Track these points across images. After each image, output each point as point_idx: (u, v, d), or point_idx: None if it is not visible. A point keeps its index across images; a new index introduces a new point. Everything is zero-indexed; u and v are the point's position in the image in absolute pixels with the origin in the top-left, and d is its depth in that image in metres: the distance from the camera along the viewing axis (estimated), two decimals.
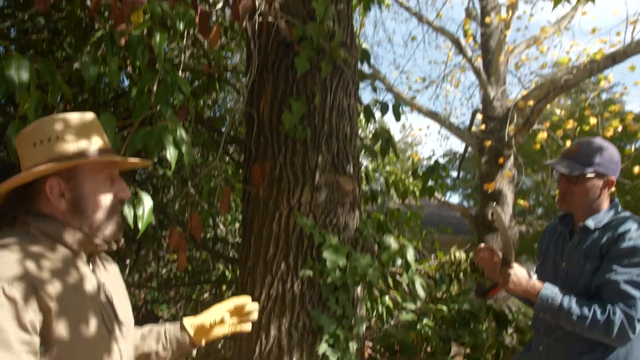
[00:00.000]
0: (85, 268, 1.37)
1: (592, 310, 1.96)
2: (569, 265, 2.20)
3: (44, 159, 1.32)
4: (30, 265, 1.20)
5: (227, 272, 4.34)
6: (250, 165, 2.49)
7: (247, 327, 1.76)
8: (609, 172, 2.18)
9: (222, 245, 4.13)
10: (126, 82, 3.55)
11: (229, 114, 4.19)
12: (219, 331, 1.71)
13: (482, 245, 2.37)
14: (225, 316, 1.67)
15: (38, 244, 1.28)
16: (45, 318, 1.18)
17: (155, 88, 1.83)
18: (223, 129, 3.27)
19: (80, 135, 1.35)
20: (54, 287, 1.22)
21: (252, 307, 1.74)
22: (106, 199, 1.38)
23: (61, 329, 1.21)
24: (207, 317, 1.69)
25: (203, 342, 1.71)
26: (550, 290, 2.04)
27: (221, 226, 4.19)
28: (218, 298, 5.39)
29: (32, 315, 1.16)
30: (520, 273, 2.09)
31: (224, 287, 4.88)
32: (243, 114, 2.75)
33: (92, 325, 1.31)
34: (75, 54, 2.40)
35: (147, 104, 1.76)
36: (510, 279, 2.08)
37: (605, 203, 2.23)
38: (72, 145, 1.34)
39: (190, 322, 1.68)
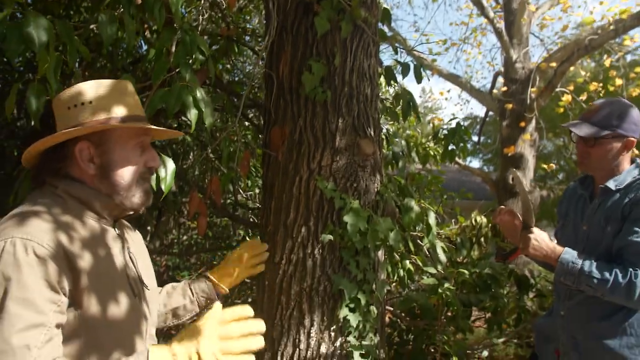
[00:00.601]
0: (111, 232, 1.38)
1: (613, 274, 1.93)
2: (590, 228, 2.17)
3: (76, 122, 1.32)
4: (59, 227, 1.21)
5: (247, 238, 4.36)
6: (269, 128, 2.46)
7: (261, 268, 2.07)
8: (629, 132, 2.13)
9: (242, 211, 4.14)
10: (144, 48, 3.52)
11: (248, 77, 4.14)
12: (240, 274, 1.86)
13: (503, 207, 2.35)
14: (244, 256, 1.84)
15: (66, 207, 1.29)
16: (74, 279, 1.20)
17: (173, 49, 1.80)
18: (242, 93, 3.24)
19: (113, 101, 1.36)
20: (82, 250, 1.23)
21: (263, 247, 2.06)
22: (135, 167, 1.39)
23: (90, 290, 1.23)
24: (225, 262, 1.90)
25: (227, 289, 1.82)
26: (571, 255, 2.03)
27: (241, 191, 4.19)
28: None
29: (61, 275, 1.17)
30: (540, 237, 2.08)
31: None
32: (262, 78, 2.71)
33: (120, 287, 1.32)
34: (92, 16, 2.37)
35: (165, 65, 1.73)
36: (531, 244, 2.08)
37: (625, 164, 2.18)
38: (104, 111, 1.34)
39: (212, 271, 1.85)
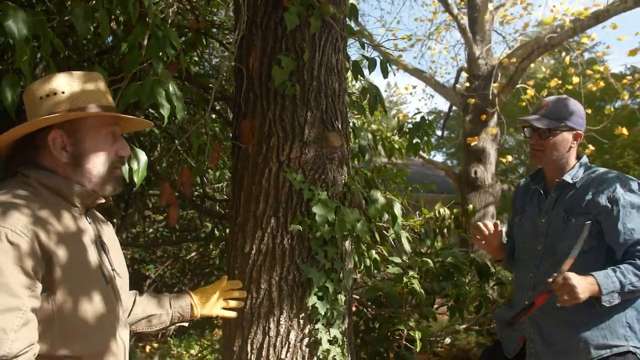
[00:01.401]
0: (83, 220, 1.41)
1: None
2: (549, 220, 2.29)
3: (47, 112, 1.34)
4: (32, 215, 1.23)
5: (215, 231, 4.38)
6: (239, 121, 2.50)
7: (234, 314, 2.08)
8: (577, 126, 2.28)
9: (209, 203, 4.16)
10: (110, 39, 3.50)
11: (216, 69, 4.15)
12: (215, 310, 1.94)
13: (482, 226, 2.44)
14: (221, 295, 1.92)
15: (38, 196, 1.31)
16: (47, 265, 1.22)
17: (145, 42, 1.82)
18: (211, 86, 3.26)
19: (84, 91, 1.38)
20: (55, 237, 1.26)
21: (241, 295, 2.12)
22: (107, 155, 1.42)
23: (63, 277, 1.25)
24: (208, 293, 1.96)
25: (199, 315, 1.88)
26: (604, 277, 2.04)
27: (208, 183, 4.21)
28: (206, 256, 5.46)
29: (35, 261, 1.19)
30: (577, 280, 2.01)
31: (211, 246, 4.93)
32: (231, 71, 2.74)
33: (92, 274, 1.35)
34: (58, 8, 2.36)
35: (138, 58, 1.75)
36: (577, 292, 1.99)
37: (573, 158, 2.32)
38: (76, 100, 1.36)
39: (194, 297, 1.90)
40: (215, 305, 1.97)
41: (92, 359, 1.32)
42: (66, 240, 1.29)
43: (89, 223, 1.45)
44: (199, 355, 5.32)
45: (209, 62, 4.70)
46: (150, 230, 5.93)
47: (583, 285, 2.00)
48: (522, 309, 2.22)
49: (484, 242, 2.48)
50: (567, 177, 2.26)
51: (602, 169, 2.28)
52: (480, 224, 2.45)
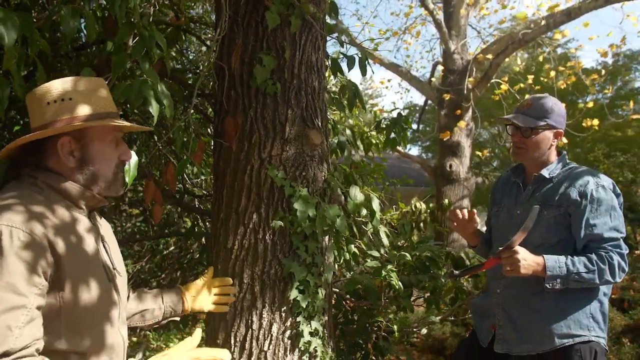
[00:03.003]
0: (86, 221, 1.47)
1: (595, 264, 2.14)
2: (524, 212, 2.38)
3: (56, 117, 1.39)
4: (41, 216, 1.28)
5: (194, 227, 4.39)
6: (221, 119, 2.54)
7: (225, 308, 2.16)
8: (558, 125, 2.39)
9: (189, 198, 4.18)
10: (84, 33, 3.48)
11: (194, 65, 4.16)
12: (206, 305, 1.98)
13: (458, 211, 2.53)
14: (212, 290, 1.95)
15: (46, 197, 1.36)
16: (55, 264, 1.27)
17: (130, 42, 1.85)
18: (190, 83, 3.28)
19: (91, 97, 1.43)
20: (62, 237, 1.31)
21: (232, 290, 2.16)
22: (111, 160, 1.48)
23: (70, 275, 1.31)
24: (198, 287, 2.01)
25: (190, 307, 1.93)
26: (553, 260, 2.15)
27: (188, 179, 4.22)
28: (184, 251, 5.46)
29: (44, 260, 1.24)
30: (526, 255, 2.13)
31: (189, 242, 4.94)
32: (212, 67, 2.77)
33: (96, 273, 1.41)
34: (33, 5, 2.36)
35: (125, 58, 1.79)
36: (521, 265, 2.10)
37: (554, 155, 2.43)
38: (84, 106, 1.42)
39: (185, 291, 1.96)
40: (207, 300, 2.03)
41: (95, 354, 1.38)
42: (72, 241, 1.34)
43: (92, 224, 1.50)
44: None
45: (187, 57, 4.70)
46: (128, 225, 5.90)
47: (529, 262, 2.12)
48: (470, 267, 2.41)
49: (459, 227, 2.58)
50: (545, 172, 2.36)
51: (580, 167, 2.38)
52: (457, 210, 2.55)
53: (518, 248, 2.13)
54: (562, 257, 2.16)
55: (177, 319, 1.96)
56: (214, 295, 2.11)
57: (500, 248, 2.20)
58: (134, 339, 5.64)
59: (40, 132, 1.38)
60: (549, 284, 2.15)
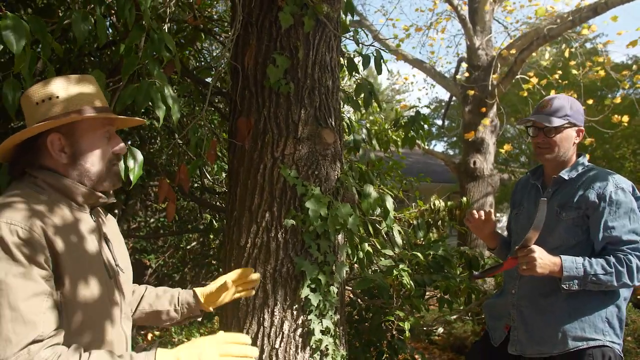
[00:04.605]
0: (88, 218, 1.50)
1: (612, 266, 2.11)
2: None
3: (44, 116, 1.42)
4: (41, 213, 1.33)
5: (213, 222, 4.45)
6: (235, 118, 2.57)
7: (251, 293, 1.98)
8: (579, 122, 2.36)
9: (208, 195, 4.23)
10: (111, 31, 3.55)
11: (215, 62, 4.21)
12: (225, 298, 1.90)
13: (475, 212, 2.51)
14: (229, 284, 1.86)
15: (46, 195, 1.40)
16: (55, 261, 1.32)
17: (142, 44, 1.88)
18: (208, 79, 3.31)
19: (78, 94, 1.46)
20: (62, 234, 1.35)
21: (255, 277, 1.95)
22: (103, 154, 1.51)
23: (69, 272, 1.35)
24: (214, 286, 1.89)
25: (211, 308, 1.89)
26: (570, 261, 2.13)
27: (207, 176, 4.28)
28: (206, 246, 5.54)
29: (44, 256, 1.28)
30: (543, 254, 2.12)
31: (211, 236, 5.01)
32: (228, 66, 2.80)
33: (96, 270, 1.44)
34: (58, 7, 2.42)
35: (135, 60, 1.82)
36: (537, 263, 2.09)
37: (574, 155, 2.39)
38: (71, 103, 1.44)
39: (201, 291, 1.88)
40: (220, 297, 1.96)
41: (95, 350, 1.41)
42: (72, 238, 1.38)
43: (94, 221, 1.53)
44: None
45: (210, 54, 4.75)
46: (152, 220, 6.00)
47: (546, 261, 2.10)
48: (491, 267, 2.34)
49: (476, 228, 2.56)
50: (564, 174, 2.33)
51: (599, 169, 2.35)
52: (474, 211, 2.53)
53: (534, 247, 2.11)
54: (580, 258, 2.13)
55: (199, 318, 1.95)
56: (234, 289, 2.02)
57: (517, 247, 2.18)
58: (157, 332, 5.74)
59: (24, 130, 1.41)
60: (565, 284, 2.13)
